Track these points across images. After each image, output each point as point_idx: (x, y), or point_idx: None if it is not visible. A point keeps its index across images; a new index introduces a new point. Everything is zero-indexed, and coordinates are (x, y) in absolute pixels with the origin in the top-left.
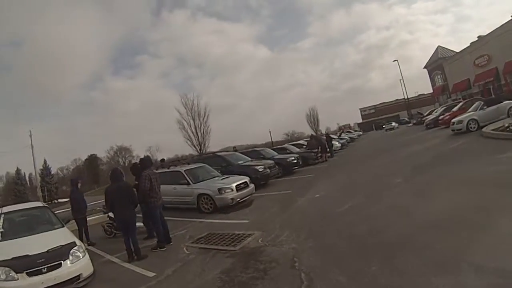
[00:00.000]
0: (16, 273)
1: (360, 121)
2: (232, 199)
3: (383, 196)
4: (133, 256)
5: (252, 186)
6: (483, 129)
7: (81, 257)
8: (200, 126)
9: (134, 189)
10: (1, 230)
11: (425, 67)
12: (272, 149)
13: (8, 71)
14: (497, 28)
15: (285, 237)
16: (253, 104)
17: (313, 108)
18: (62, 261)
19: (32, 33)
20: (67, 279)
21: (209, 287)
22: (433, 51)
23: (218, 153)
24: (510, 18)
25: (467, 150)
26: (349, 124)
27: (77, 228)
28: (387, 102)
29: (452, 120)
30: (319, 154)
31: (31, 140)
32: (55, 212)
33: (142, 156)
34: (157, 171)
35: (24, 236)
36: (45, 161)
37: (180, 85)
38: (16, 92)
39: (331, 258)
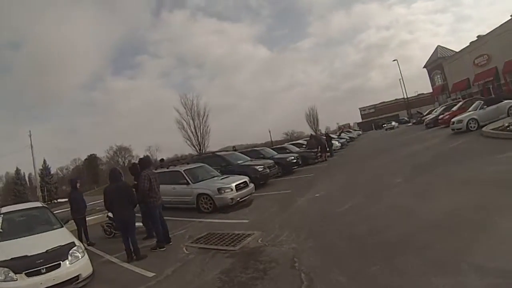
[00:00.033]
0: (15, 273)
1: (360, 120)
2: (231, 198)
3: (383, 196)
4: (133, 256)
5: (251, 185)
6: (483, 129)
7: (80, 257)
8: (200, 126)
9: (133, 189)
10: (0, 230)
11: (424, 67)
12: (272, 149)
13: (8, 71)
14: (496, 28)
15: (285, 237)
16: (253, 104)
17: (312, 108)
18: (61, 262)
19: (32, 33)
20: (66, 279)
21: (209, 287)
22: (433, 51)
23: (218, 153)
24: (510, 17)
25: (467, 150)
26: (349, 124)
27: (76, 228)
28: (386, 102)
29: (452, 120)
30: (319, 154)
31: (31, 140)
32: (54, 212)
33: (142, 156)
34: (156, 171)
35: (23, 237)
36: (44, 161)
37: (180, 85)
38: (15, 92)
39: (331, 258)
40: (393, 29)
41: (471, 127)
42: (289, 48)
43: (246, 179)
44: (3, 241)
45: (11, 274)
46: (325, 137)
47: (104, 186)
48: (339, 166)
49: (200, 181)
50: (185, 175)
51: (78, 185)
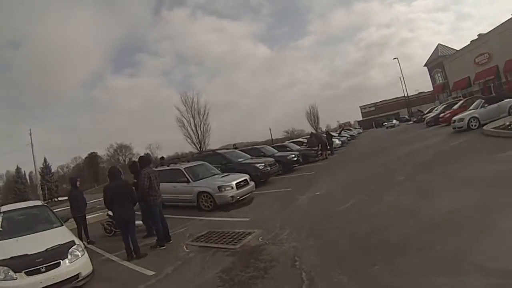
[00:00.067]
0: (15, 272)
1: (360, 118)
2: (232, 197)
3: (384, 194)
4: (132, 255)
5: (252, 184)
6: (484, 127)
7: (80, 256)
8: (200, 124)
9: (133, 187)
10: (0, 229)
11: (425, 65)
12: (272, 147)
13: (9, 70)
14: (497, 26)
15: (286, 236)
16: (253, 102)
17: (313, 106)
18: (61, 260)
19: (32, 32)
20: (65, 278)
21: (209, 286)
22: (434, 49)
23: (218, 151)
24: (511, 16)
25: (468, 148)
26: (349, 122)
27: (76, 226)
28: (387, 100)
29: (453, 118)
30: (320, 152)
31: (31, 138)
32: (54, 210)
33: (142, 154)
34: (156, 169)
35: (23, 235)
36: (45, 160)
37: (180, 83)
38: (16, 91)
39: (332, 257)
40: (393, 27)
41: (472, 125)
42: (289, 46)
43: (246, 177)
44: (3, 240)
45: (11, 273)
46: (325, 135)
47: (105, 184)
48: (339, 164)
49: (201, 179)
50: (185, 173)
51: (78, 183)
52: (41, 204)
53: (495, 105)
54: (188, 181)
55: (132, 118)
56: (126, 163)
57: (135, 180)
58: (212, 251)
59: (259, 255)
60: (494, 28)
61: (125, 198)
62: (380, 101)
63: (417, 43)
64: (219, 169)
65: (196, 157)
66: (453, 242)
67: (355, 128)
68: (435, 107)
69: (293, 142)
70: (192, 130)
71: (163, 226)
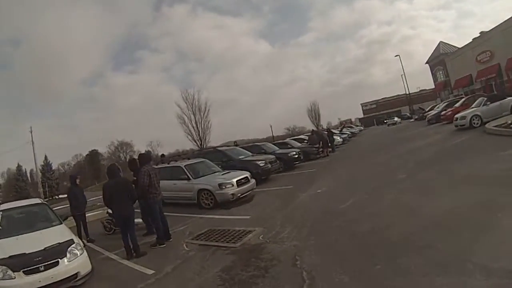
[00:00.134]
0: (13, 271)
1: (362, 116)
2: (232, 194)
3: (385, 192)
4: (132, 253)
5: (253, 181)
6: (486, 126)
7: (79, 254)
8: (201, 121)
9: (133, 185)
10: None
11: (427, 63)
12: (273, 144)
13: (9, 68)
14: (499, 24)
15: (287, 234)
16: (254, 98)
17: (314, 103)
18: (60, 259)
19: (32, 30)
20: (64, 277)
21: (209, 285)
22: (435, 47)
23: (219, 148)
24: None
25: (470, 147)
26: (351, 119)
27: (75, 224)
28: (388, 97)
29: (456, 116)
30: (321, 149)
31: (32, 136)
32: (55, 208)
33: (143, 151)
34: (157, 167)
35: (21, 234)
36: (46, 157)
37: (181, 80)
38: (17, 89)
39: (333, 256)
40: (395, 24)
41: (474, 123)
42: (290, 43)
43: (247, 174)
44: (1, 238)
45: (9, 272)
46: (326, 132)
47: (104, 182)
48: (341, 161)
49: (201, 176)
50: (186, 170)
51: (78, 181)
52: (40, 202)
53: (497, 103)
54: (188, 179)
55: (133, 115)
56: (127, 160)
57: (135, 178)
58: (212, 249)
59: (259, 254)
60: (496, 26)
61: (124, 195)
62: (382, 99)
63: (419, 41)
64: (219, 166)
65: (197, 154)
66: (454, 241)
67: (356, 126)
68: (436, 105)
69: (294, 139)
70: (193, 127)
71: (163, 224)
